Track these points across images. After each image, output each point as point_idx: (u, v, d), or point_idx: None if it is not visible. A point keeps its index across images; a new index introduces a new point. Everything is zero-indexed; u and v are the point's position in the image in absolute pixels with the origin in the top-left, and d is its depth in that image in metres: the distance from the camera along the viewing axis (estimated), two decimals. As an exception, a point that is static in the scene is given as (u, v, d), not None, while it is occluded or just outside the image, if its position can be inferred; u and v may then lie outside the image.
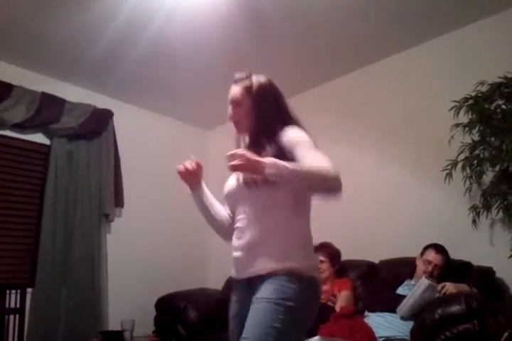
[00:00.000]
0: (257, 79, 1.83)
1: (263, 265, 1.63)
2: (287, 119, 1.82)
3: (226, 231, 1.89)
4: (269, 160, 1.53)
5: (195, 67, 3.90)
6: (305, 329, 1.64)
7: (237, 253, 1.74)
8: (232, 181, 1.83)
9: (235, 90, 1.83)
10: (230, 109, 1.85)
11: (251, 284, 1.66)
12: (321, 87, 4.30)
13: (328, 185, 1.56)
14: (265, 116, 1.79)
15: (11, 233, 3.71)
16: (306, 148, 1.67)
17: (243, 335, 1.53)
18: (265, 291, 1.57)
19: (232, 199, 1.87)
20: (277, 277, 1.58)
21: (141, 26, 3.29)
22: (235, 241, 1.76)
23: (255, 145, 1.77)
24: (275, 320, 1.51)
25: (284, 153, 1.67)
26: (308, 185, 1.63)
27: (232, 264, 1.78)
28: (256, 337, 1.50)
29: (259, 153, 1.61)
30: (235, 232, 1.78)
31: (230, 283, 1.85)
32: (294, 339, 1.59)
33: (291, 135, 1.72)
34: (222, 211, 1.94)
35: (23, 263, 3.75)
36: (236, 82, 1.84)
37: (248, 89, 1.80)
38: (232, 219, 1.87)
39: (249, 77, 1.84)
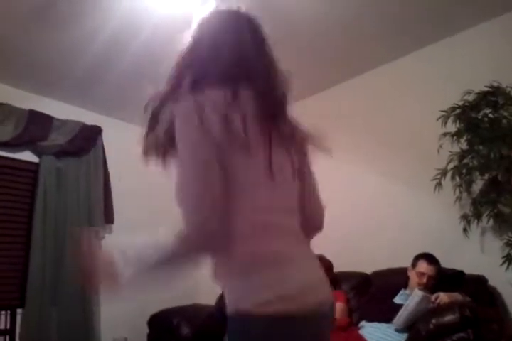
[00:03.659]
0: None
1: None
2: (230, 74, 1.13)
3: None
4: None
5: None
6: None
7: None
8: None
9: None
10: None
11: None
12: (307, 98, 4.31)
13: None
14: (194, 61, 1.19)
15: (-1, 252, 3.68)
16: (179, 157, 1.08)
17: None
18: None
19: None
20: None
21: (127, 41, 3.30)
22: None
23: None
24: None
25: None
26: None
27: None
28: None
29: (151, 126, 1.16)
30: None
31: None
32: None
33: (176, 112, 1.09)
34: None
35: (13, 283, 3.70)
36: None
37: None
38: None
39: None
